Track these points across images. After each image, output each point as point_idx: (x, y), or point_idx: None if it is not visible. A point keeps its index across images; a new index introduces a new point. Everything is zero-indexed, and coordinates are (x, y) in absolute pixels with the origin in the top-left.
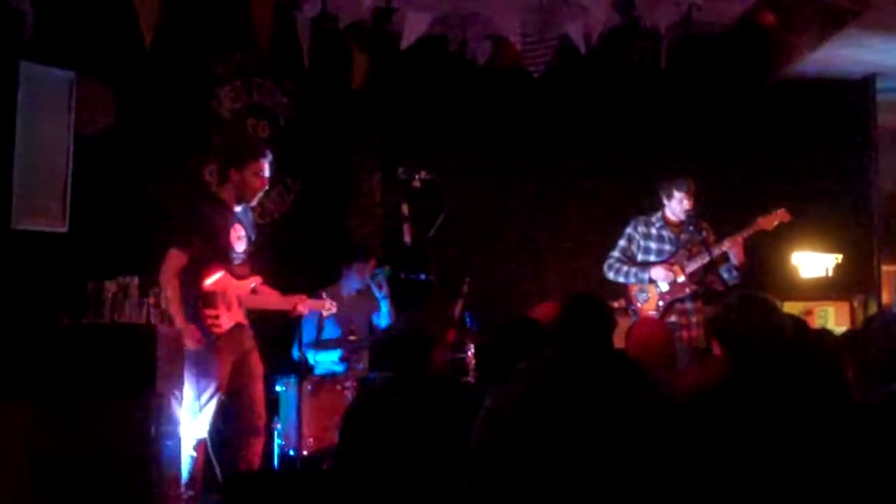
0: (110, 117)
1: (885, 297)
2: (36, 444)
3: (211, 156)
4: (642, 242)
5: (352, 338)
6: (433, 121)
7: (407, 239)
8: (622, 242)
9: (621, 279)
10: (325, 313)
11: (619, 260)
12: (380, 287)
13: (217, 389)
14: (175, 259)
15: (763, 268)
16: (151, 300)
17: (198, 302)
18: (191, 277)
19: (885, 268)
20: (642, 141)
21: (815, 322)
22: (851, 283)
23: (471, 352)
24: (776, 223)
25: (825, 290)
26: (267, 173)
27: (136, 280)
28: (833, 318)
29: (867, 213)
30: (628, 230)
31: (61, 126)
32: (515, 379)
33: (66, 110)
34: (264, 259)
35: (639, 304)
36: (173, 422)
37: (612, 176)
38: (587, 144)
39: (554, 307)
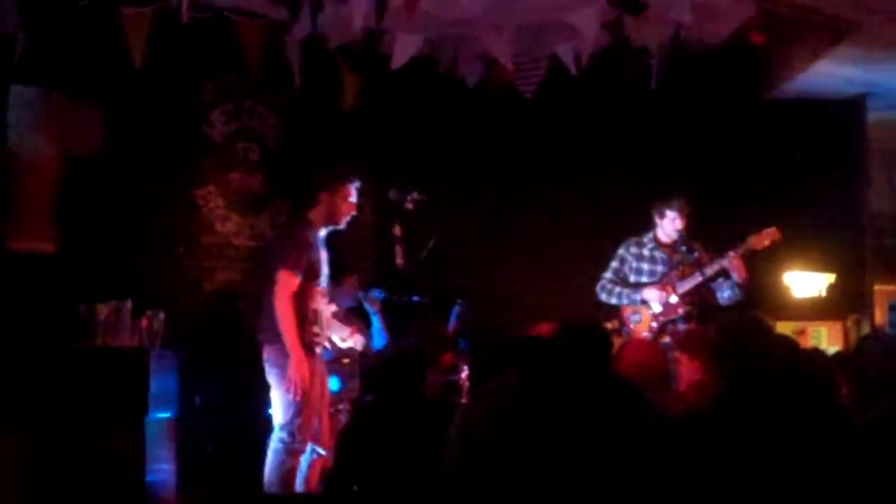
0: (100, 139)
1: (878, 317)
2: (29, 468)
3: (203, 178)
4: (634, 263)
5: (345, 360)
6: (425, 142)
7: (399, 261)
8: (614, 264)
9: (614, 300)
10: (357, 346)
11: (611, 281)
12: (373, 304)
13: (309, 404)
14: (286, 280)
15: (755, 288)
16: (145, 323)
17: (304, 320)
18: (298, 299)
19: (877, 287)
20: (634, 161)
21: (808, 342)
22: (844, 303)
23: (465, 374)
24: (767, 242)
25: (818, 309)
26: (355, 198)
27: (129, 304)
28: (826, 338)
29: (859, 232)
30: (620, 251)
31: (51, 147)
32: (485, 393)
33: (55, 132)
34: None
35: (632, 326)
36: (164, 443)
37: (605, 196)
38: (579, 165)
39: (549, 328)
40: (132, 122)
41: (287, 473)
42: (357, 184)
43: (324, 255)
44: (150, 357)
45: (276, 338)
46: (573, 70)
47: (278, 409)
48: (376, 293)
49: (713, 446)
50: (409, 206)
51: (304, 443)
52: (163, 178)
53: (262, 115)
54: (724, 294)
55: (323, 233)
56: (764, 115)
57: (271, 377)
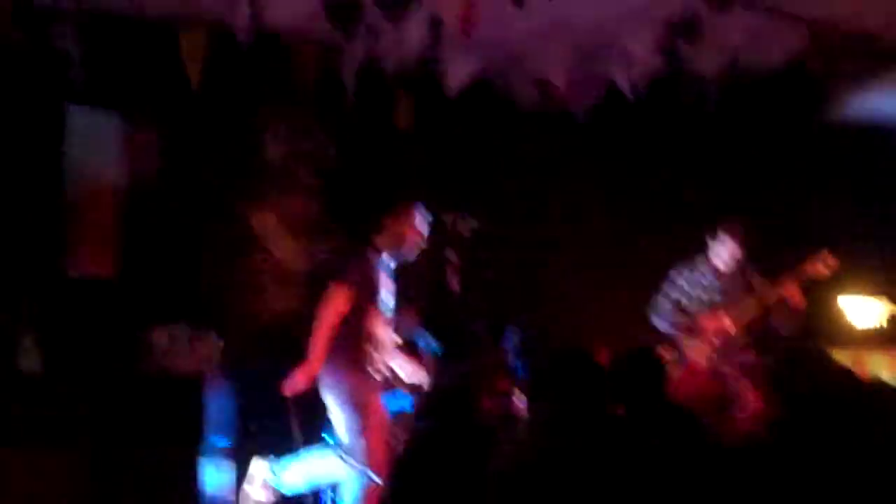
0: (159, 162)
1: None
2: (83, 494)
3: (259, 202)
4: (690, 290)
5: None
6: (481, 166)
7: (455, 287)
8: (670, 290)
9: (671, 329)
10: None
11: (666, 308)
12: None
13: (372, 426)
14: (335, 292)
15: (814, 315)
16: (201, 349)
17: (356, 338)
18: (353, 318)
19: None
20: (690, 185)
21: (867, 372)
22: None
23: (523, 401)
24: (824, 269)
25: (878, 338)
26: (422, 226)
27: (186, 328)
28: (887, 369)
29: None
30: (675, 277)
31: (109, 170)
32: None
33: (114, 154)
34: None
35: (689, 354)
36: (222, 471)
37: (661, 221)
38: (635, 190)
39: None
40: (189, 146)
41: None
42: (423, 211)
43: (390, 285)
44: (206, 383)
45: (342, 362)
46: (629, 94)
47: (341, 430)
48: (430, 344)
49: (769, 475)
50: (465, 233)
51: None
52: (219, 201)
53: (316, 137)
54: (782, 323)
55: (391, 262)
56: (822, 141)
57: (328, 399)
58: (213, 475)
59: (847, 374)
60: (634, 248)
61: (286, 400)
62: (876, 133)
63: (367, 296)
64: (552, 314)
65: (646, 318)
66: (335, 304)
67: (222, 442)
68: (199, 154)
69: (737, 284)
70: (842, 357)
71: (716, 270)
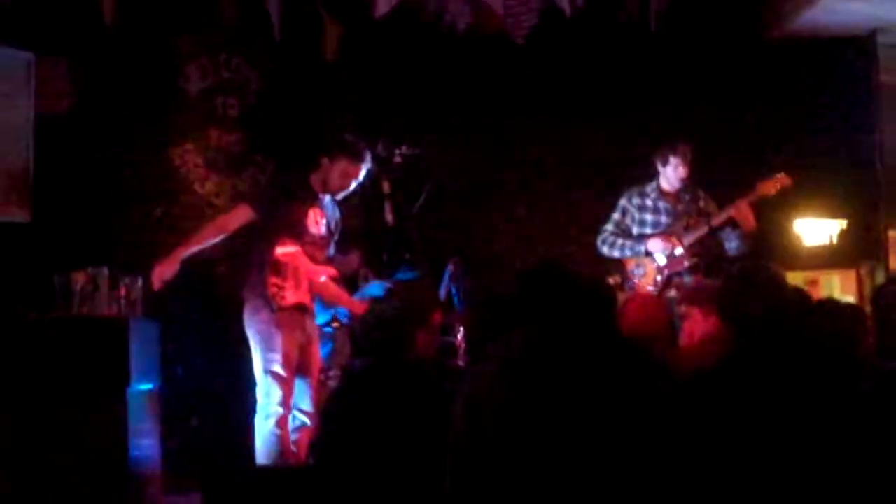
0: (71, 99)
1: (893, 264)
2: (6, 443)
3: (180, 136)
4: (637, 214)
5: (334, 324)
6: (412, 93)
7: (389, 217)
8: (616, 215)
9: (616, 254)
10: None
11: (612, 233)
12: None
13: (284, 365)
14: (241, 213)
15: (764, 236)
16: (122, 292)
17: (265, 267)
18: (261, 243)
19: (892, 233)
20: (634, 107)
21: (821, 292)
22: (857, 250)
23: (460, 335)
24: (777, 189)
25: (829, 258)
26: (355, 180)
27: (105, 271)
28: (839, 288)
29: (872, 176)
30: (622, 202)
31: (21, 110)
32: (489, 358)
33: (25, 93)
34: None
35: (636, 280)
36: (147, 416)
37: (605, 144)
38: (576, 114)
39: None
40: (104, 81)
41: (275, 443)
42: (367, 165)
43: (321, 218)
44: (130, 326)
45: (249, 286)
46: (568, 11)
47: (256, 367)
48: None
49: (726, 406)
50: (398, 160)
51: (288, 408)
52: (137, 137)
53: (239, 68)
54: (732, 245)
55: (325, 198)
56: (770, 55)
57: (249, 334)
58: (139, 419)
59: (799, 293)
60: (579, 175)
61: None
62: (829, 48)
63: (284, 226)
64: (495, 245)
65: (593, 248)
66: (227, 218)
67: (148, 385)
68: (115, 89)
69: (685, 206)
70: (794, 278)
71: (664, 193)
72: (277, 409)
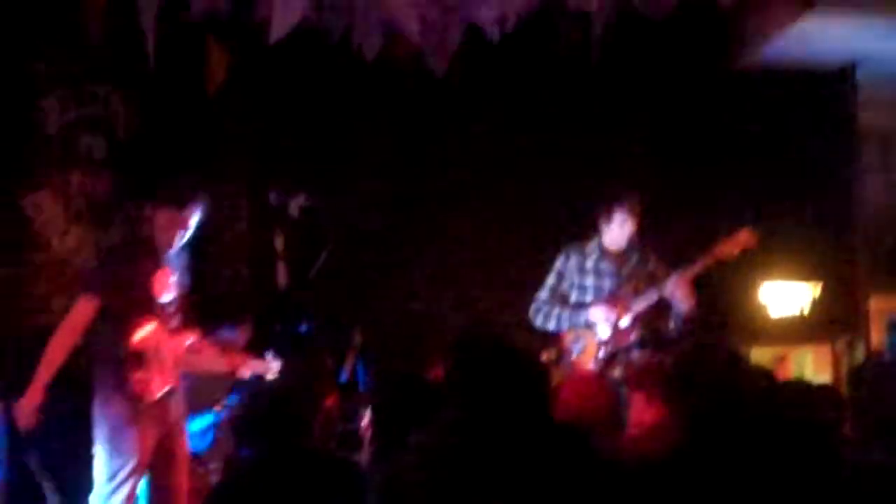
0: None
1: (875, 338)
2: None
3: (34, 181)
4: (576, 278)
5: (217, 407)
6: (313, 131)
7: (282, 281)
8: (551, 280)
9: (552, 325)
10: (269, 376)
11: (547, 302)
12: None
13: (134, 470)
14: (83, 308)
15: (724, 304)
16: None
17: (123, 363)
18: (112, 333)
19: (874, 301)
20: (573, 150)
21: (790, 371)
22: (833, 321)
23: (365, 421)
24: (740, 248)
25: (801, 330)
26: (182, 232)
27: None
28: (811, 365)
29: (850, 232)
30: (558, 264)
31: None
32: (406, 448)
33: None
34: None
35: (574, 356)
36: None
37: (540, 194)
38: (506, 155)
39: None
40: None
41: None
42: (195, 213)
43: (170, 278)
44: None
45: (105, 383)
46: (496, 37)
47: (96, 469)
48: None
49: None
50: (294, 212)
51: None
52: None
53: (108, 101)
54: (672, 324)
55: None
56: (732, 91)
57: (96, 430)
58: None
59: (764, 375)
60: (509, 227)
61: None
62: (802, 83)
63: (132, 303)
64: (404, 313)
65: (521, 317)
66: (74, 319)
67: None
68: None
69: (632, 269)
70: (760, 355)
71: (608, 253)
72: None
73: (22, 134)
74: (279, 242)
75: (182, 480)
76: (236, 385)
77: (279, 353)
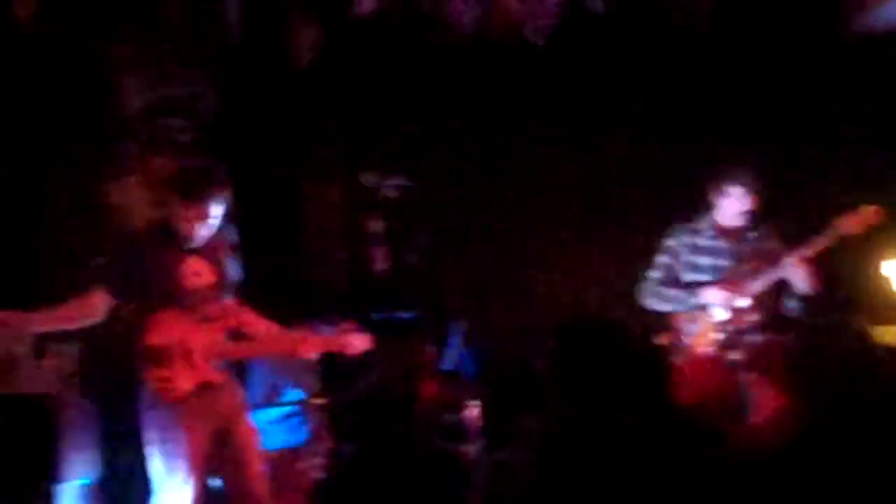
0: None
1: None
2: None
3: (117, 166)
4: (689, 257)
5: (317, 400)
6: (407, 110)
7: (380, 266)
8: (663, 259)
9: (664, 307)
10: (350, 351)
11: (659, 282)
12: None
13: (192, 467)
14: (93, 301)
15: (847, 282)
16: (51, 363)
17: (143, 362)
18: (132, 331)
19: None
20: (682, 125)
21: None
22: None
23: (474, 412)
24: (864, 225)
25: None
26: (200, 224)
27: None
28: None
29: None
30: (670, 242)
31: None
32: (516, 440)
33: None
34: None
35: (688, 339)
36: None
37: (647, 172)
38: (610, 131)
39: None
40: (17, 98)
41: None
42: (216, 205)
43: (200, 267)
44: (61, 407)
45: (141, 387)
46: (600, 7)
47: (153, 475)
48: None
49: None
50: (391, 194)
51: None
52: (63, 169)
53: (190, 81)
54: (790, 304)
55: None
56: (852, 57)
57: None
58: None
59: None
60: (612, 208)
61: None
62: None
63: (154, 294)
64: (509, 299)
65: (631, 299)
66: (80, 310)
67: (84, 480)
68: (30, 109)
69: (750, 246)
70: (887, 335)
71: (722, 230)
72: None
73: (103, 117)
74: (377, 226)
75: (254, 477)
76: (329, 373)
77: (379, 343)
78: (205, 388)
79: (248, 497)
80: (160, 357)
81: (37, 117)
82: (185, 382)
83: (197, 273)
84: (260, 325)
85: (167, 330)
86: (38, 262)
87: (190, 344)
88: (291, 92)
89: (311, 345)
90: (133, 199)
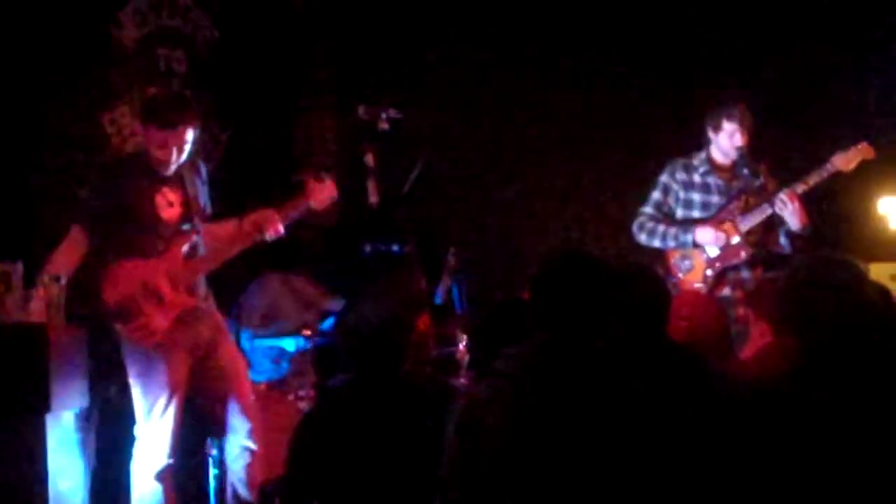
0: None
1: None
2: None
3: (112, 97)
4: (682, 193)
5: (306, 332)
6: (401, 44)
7: (373, 198)
8: (656, 195)
9: (657, 242)
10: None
11: (652, 217)
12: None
13: (171, 397)
14: (74, 237)
15: (840, 220)
16: (41, 292)
17: (114, 316)
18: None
19: None
20: (677, 57)
21: None
22: None
23: (462, 345)
24: (857, 162)
25: None
26: (177, 149)
27: (20, 267)
28: None
29: None
30: (663, 178)
31: None
32: (494, 373)
33: None
34: None
35: (681, 275)
36: (72, 447)
37: (640, 103)
38: (602, 62)
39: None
40: (12, 30)
41: (152, 488)
42: (188, 128)
43: (173, 197)
44: (50, 335)
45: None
46: None
47: (135, 405)
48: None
49: (787, 427)
50: (384, 126)
51: (163, 445)
52: (59, 99)
53: (188, 11)
54: (782, 241)
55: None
56: None
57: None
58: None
59: (883, 293)
60: (610, 141)
61: None
62: None
63: (131, 224)
64: (505, 231)
65: (627, 232)
66: (66, 247)
67: (73, 409)
68: (29, 40)
69: (743, 183)
70: (878, 272)
71: (716, 166)
72: (162, 460)
73: (99, 47)
74: (369, 159)
75: (241, 389)
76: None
77: (370, 275)
78: (180, 319)
79: (238, 421)
80: (129, 309)
81: (31, 48)
82: (160, 321)
83: (170, 203)
84: (219, 229)
85: (125, 280)
86: (31, 197)
87: (154, 283)
88: (287, 26)
89: (276, 219)
90: (127, 129)
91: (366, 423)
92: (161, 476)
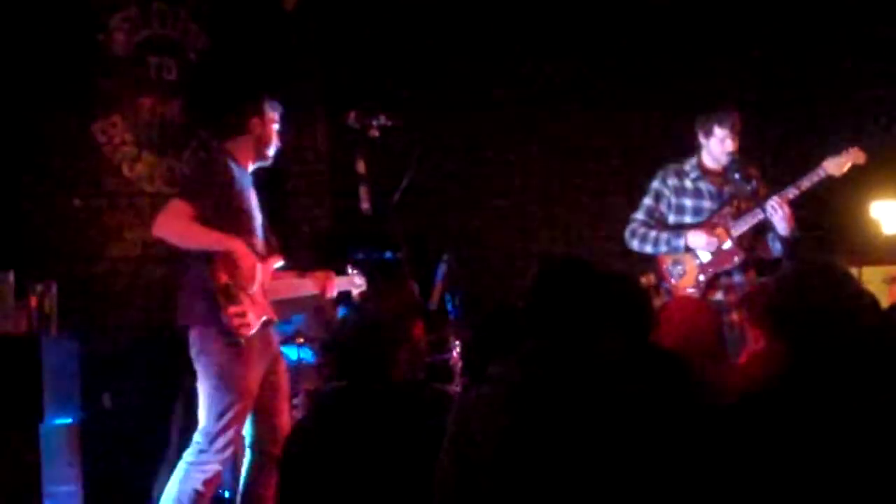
0: None
1: None
2: None
3: (104, 106)
4: (674, 199)
5: (299, 340)
6: (391, 52)
7: (364, 206)
8: (647, 201)
9: (649, 248)
10: (355, 292)
11: (644, 223)
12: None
13: (244, 405)
14: (180, 209)
15: (832, 224)
16: (33, 302)
17: (215, 296)
18: (204, 264)
19: None
20: (668, 63)
21: None
22: None
23: (456, 352)
24: (848, 167)
25: None
26: (275, 121)
27: (11, 277)
28: None
29: None
30: (655, 184)
31: None
32: (488, 380)
33: None
34: None
35: (673, 281)
36: (68, 459)
37: (632, 112)
38: (594, 70)
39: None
40: (6, 41)
41: (192, 491)
42: (273, 103)
43: (254, 201)
44: (43, 346)
45: (199, 317)
46: None
47: (203, 406)
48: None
49: (779, 435)
50: (375, 133)
51: (224, 451)
52: (48, 108)
53: (178, 19)
54: (770, 245)
55: (247, 173)
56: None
57: (198, 366)
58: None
59: (872, 299)
60: (602, 150)
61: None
62: None
63: (226, 219)
64: (498, 239)
65: (622, 240)
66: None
67: (66, 419)
68: (19, 48)
69: (734, 188)
70: (870, 276)
71: (707, 172)
72: (215, 467)
73: (90, 56)
74: (360, 166)
75: (286, 414)
76: (305, 309)
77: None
78: (266, 324)
79: (275, 438)
80: (233, 295)
81: (22, 58)
82: (254, 318)
83: (257, 205)
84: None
85: (240, 260)
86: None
87: (256, 280)
88: (278, 32)
89: (334, 284)
90: (118, 138)
91: (355, 431)
92: (208, 482)
